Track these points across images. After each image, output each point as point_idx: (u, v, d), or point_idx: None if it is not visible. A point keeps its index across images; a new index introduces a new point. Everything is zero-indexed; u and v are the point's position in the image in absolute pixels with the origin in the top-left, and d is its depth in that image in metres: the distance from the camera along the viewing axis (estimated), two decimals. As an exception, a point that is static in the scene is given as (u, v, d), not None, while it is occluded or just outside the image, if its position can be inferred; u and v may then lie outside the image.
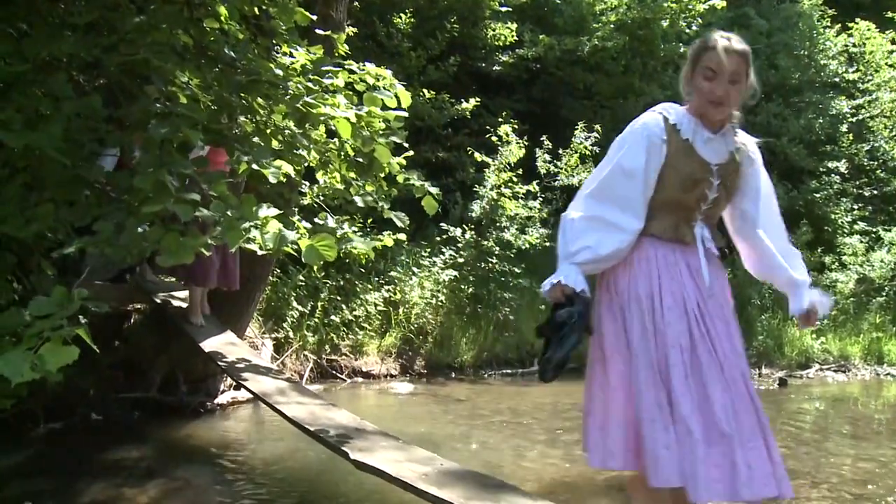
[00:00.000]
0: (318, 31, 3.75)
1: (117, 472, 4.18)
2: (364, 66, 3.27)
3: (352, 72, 3.17)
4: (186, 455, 4.65)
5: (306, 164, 3.70)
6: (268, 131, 2.89)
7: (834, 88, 14.69)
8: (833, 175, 13.05)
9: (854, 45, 15.06)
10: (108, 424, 5.16)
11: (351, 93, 3.11)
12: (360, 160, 3.52)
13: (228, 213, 2.35)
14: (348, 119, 2.86)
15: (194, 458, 4.61)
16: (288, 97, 2.72)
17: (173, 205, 2.30)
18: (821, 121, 13.76)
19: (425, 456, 3.58)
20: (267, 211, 2.39)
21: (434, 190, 3.56)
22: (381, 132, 3.20)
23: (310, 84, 2.77)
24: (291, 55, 3.03)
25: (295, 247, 2.51)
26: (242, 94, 2.64)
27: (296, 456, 4.66)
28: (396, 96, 3.18)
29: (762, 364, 9.87)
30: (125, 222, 2.42)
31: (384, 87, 3.24)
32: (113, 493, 3.83)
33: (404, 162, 6.65)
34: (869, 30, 14.84)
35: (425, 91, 10.02)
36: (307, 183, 4.74)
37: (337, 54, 4.09)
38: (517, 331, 9.11)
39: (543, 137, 10.00)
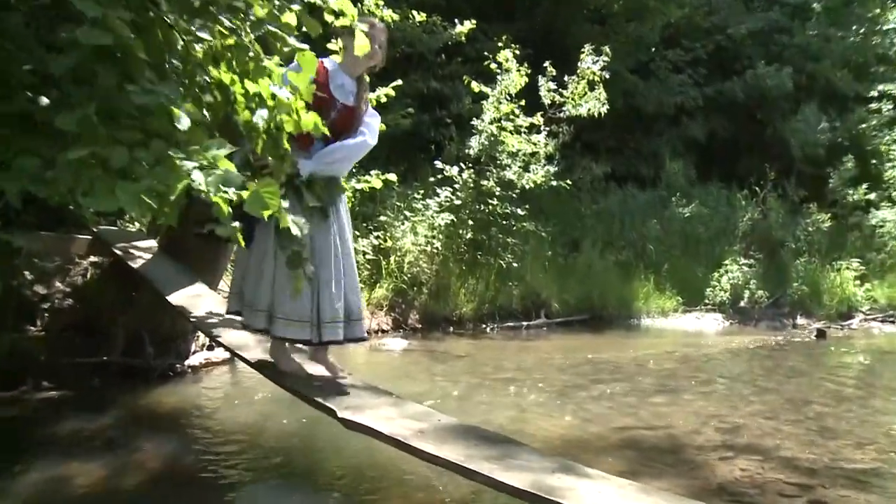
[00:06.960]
0: None
1: (70, 445, 4.10)
2: None
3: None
4: (152, 423, 4.59)
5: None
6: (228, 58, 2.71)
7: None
8: (885, 101, 12.70)
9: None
10: (63, 393, 5.09)
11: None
12: None
13: (170, 153, 2.20)
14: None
15: (161, 426, 4.56)
16: (249, 23, 2.55)
17: (104, 148, 2.13)
18: (875, 39, 13.22)
19: (421, 411, 3.54)
20: (218, 150, 2.23)
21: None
22: None
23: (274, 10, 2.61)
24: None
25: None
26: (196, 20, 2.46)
27: (274, 420, 4.63)
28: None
29: (797, 313, 9.82)
30: (56, 157, 2.25)
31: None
32: (65, 468, 3.75)
33: (393, 93, 6.44)
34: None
35: (415, 13, 9.77)
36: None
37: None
38: (521, 280, 9.06)
39: (547, 64, 9.77)
